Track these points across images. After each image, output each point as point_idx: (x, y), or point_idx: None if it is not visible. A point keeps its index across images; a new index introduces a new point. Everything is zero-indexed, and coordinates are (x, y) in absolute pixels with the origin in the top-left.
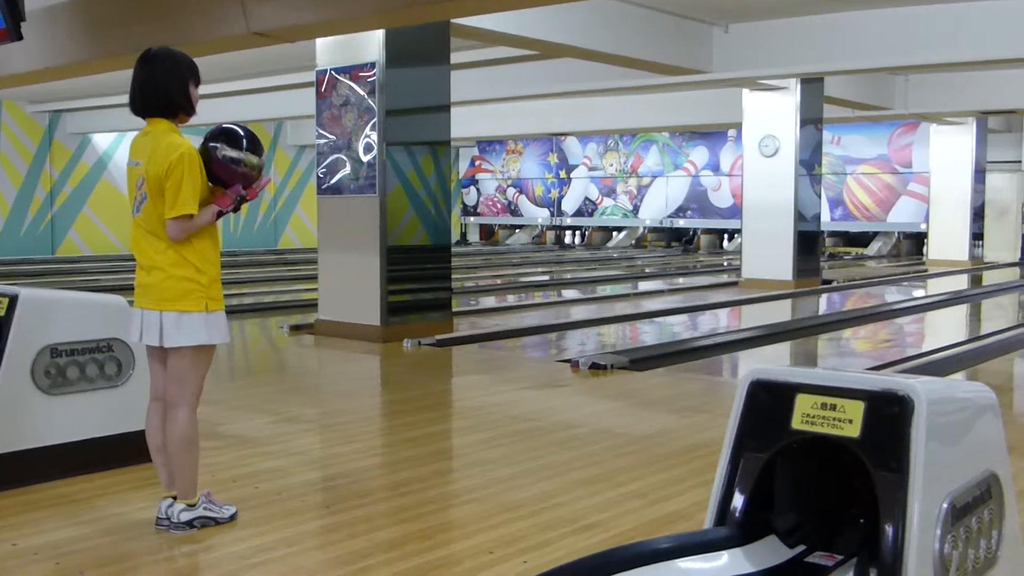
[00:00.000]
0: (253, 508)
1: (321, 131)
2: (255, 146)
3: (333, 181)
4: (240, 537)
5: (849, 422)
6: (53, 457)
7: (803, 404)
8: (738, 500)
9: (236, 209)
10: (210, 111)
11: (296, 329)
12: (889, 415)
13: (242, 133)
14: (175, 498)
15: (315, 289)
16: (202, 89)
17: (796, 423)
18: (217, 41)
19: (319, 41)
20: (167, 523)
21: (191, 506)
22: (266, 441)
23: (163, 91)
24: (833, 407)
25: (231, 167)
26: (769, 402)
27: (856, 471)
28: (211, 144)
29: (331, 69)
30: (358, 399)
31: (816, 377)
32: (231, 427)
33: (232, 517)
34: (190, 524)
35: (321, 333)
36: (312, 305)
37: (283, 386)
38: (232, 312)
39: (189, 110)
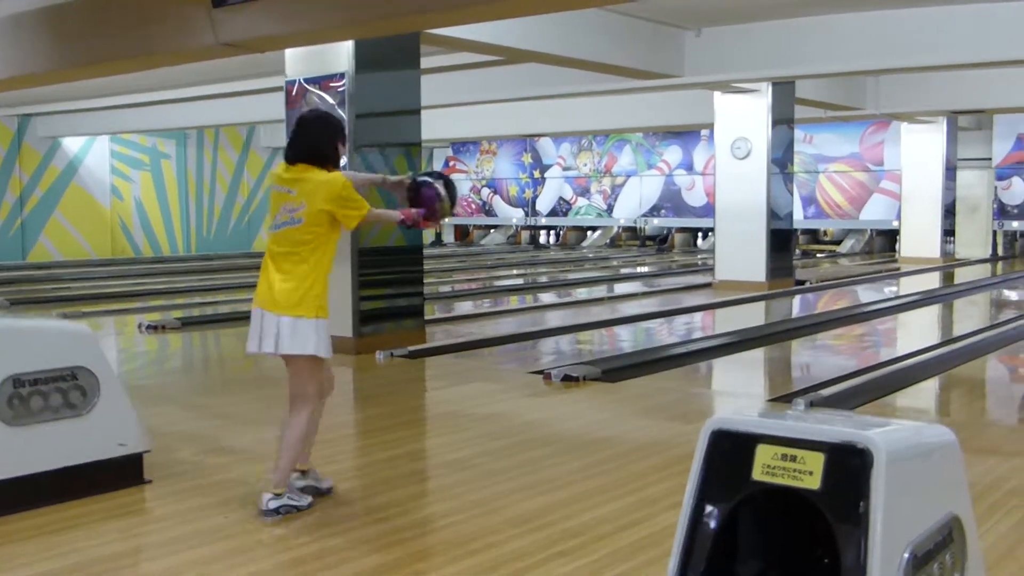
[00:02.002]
0: (221, 540)
1: None
2: (453, 200)
3: None
4: (208, 573)
5: (809, 474)
6: (20, 489)
7: (764, 455)
8: (701, 551)
9: (409, 226)
10: (183, 115)
11: None
12: (849, 467)
13: (455, 188)
14: (303, 472)
15: None
16: (174, 94)
17: (757, 474)
18: (185, 52)
19: (288, 51)
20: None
21: (278, 495)
22: (234, 466)
23: (315, 149)
24: (793, 458)
25: (432, 199)
26: (730, 452)
27: (820, 515)
28: (432, 177)
29: (301, 79)
30: (331, 417)
31: (777, 428)
32: (198, 451)
33: (309, 505)
34: (276, 511)
35: None
36: None
37: (254, 405)
38: (208, 323)
39: (336, 163)
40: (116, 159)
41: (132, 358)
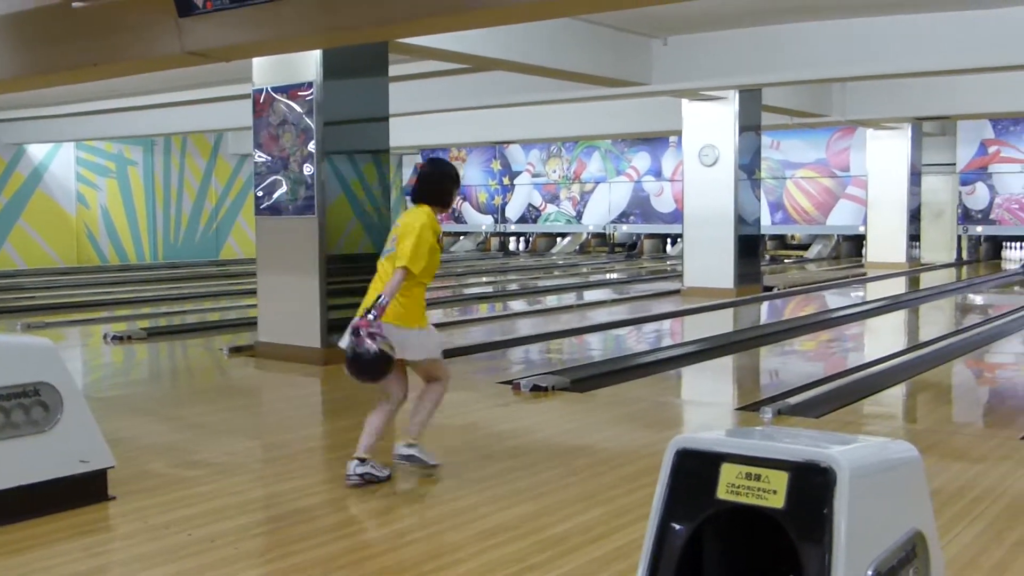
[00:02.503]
0: (185, 558)
1: (259, 151)
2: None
3: (271, 201)
4: None
5: (773, 493)
6: None
7: (728, 474)
8: (667, 569)
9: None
10: (150, 122)
11: (236, 351)
12: (812, 486)
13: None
14: (361, 460)
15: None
16: (141, 101)
17: (721, 493)
18: (151, 60)
19: (256, 60)
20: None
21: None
22: (201, 480)
23: (434, 193)
24: (758, 477)
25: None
26: (695, 471)
27: (785, 534)
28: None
29: (268, 88)
30: (297, 430)
31: (741, 447)
32: (164, 465)
33: (387, 478)
34: (361, 476)
35: (262, 355)
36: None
37: (218, 417)
38: (175, 332)
39: (447, 207)
40: (82, 166)
41: (98, 369)
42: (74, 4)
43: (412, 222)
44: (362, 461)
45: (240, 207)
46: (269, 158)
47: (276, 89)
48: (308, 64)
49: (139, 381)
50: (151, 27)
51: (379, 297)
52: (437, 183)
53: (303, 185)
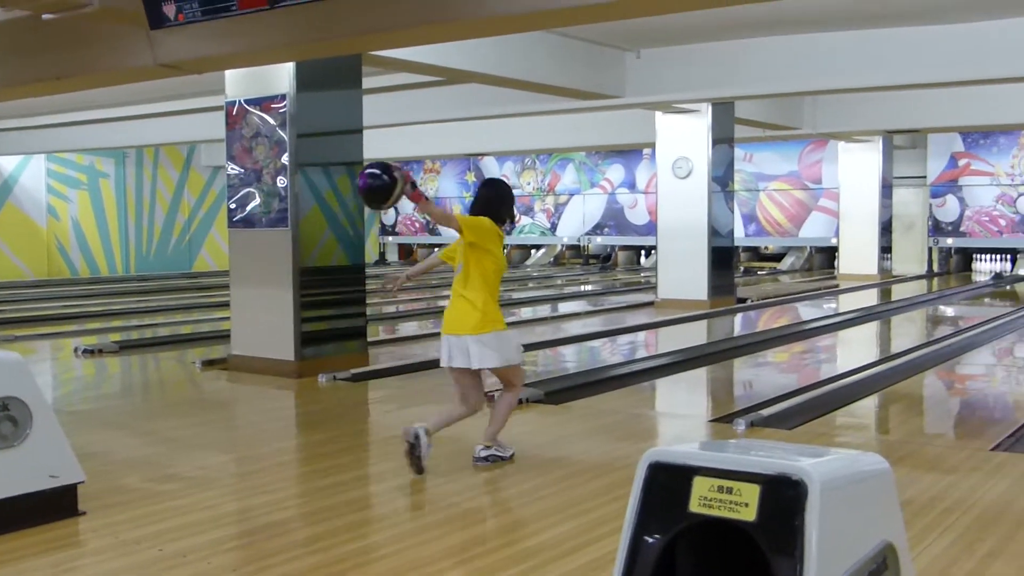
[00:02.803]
0: (156, 573)
1: (232, 163)
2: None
3: (244, 213)
4: None
5: (745, 505)
6: None
7: (700, 487)
8: None
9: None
10: (122, 134)
11: (209, 364)
12: (783, 499)
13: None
14: (487, 447)
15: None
16: (113, 112)
17: (694, 506)
18: (123, 72)
19: (228, 72)
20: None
21: (488, 447)
22: (173, 495)
23: (492, 212)
24: (729, 490)
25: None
26: (667, 484)
27: (757, 547)
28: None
29: (241, 100)
30: (271, 443)
31: (713, 460)
32: (135, 479)
33: (511, 457)
34: (486, 459)
35: (235, 368)
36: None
37: (191, 431)
38: (147, 345)
39: (508, 222)
40: (52, 178)
41: (68, 383)
42: (44, 16)
43: (474, 218)
44: (487, 446)
45: (213, 219)
46: (242, 170)
47: (249, 101)
48: (281, 76)
49: (110, 395)
50: (123, 39)
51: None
52: (495, 202)
53: (276, 197)
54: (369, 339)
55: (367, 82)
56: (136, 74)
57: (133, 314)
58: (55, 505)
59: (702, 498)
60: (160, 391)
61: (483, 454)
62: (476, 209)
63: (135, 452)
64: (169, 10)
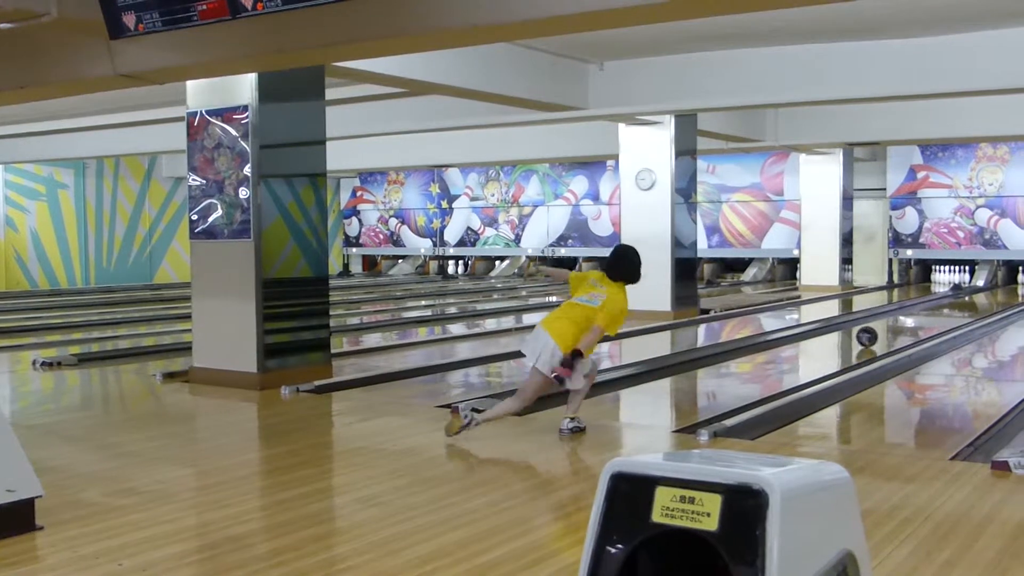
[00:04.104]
0: None
1: (193, 174)
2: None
3: (206, 225)
4: None
5: (707, 515)
6: None
7: (663, 497)
8: None
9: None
10: (82, 144)
11: (169, 377)
12: (744, 508)
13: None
14: (572, 419)
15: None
16: (72, 123)
17: (656, 516)
18: (83, 81)
19: (190, 82)
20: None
21: (572, 419)
22: (133, 509)
23: (630, 275)
24: (691, 500)
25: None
26: (629, 494)
27: (719, 556)
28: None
29: (203, 111)
30: (232, 456)
31: (675, 470)
32: (94, 494)
33: (584, 429)
34: (571, 430)
35: (196, 381)
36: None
37: (151, 444)
38: (107, 358)
39: (635, 282)
40: (10, 189)
41: (26, 396)
42: (1, 25)
43: (623, 299)
44: (572, 419)
45: (175, 231)
46: (204, 181)
47: (211, 112)
48: (243, 87)
49: (69, 408)
50: (82, 49)
51: (577, 350)
52: (636, 265)
53: (238, 209)
54: (333, 351)
55: (330, 93)
56: (96, 84)
57: (93, 326)
58: (12, 520)
59: (664, 508)
60: (120, 404)
61: (570, 425)
62: (620, 270)
63: (94, 466)
64: (129, 20)
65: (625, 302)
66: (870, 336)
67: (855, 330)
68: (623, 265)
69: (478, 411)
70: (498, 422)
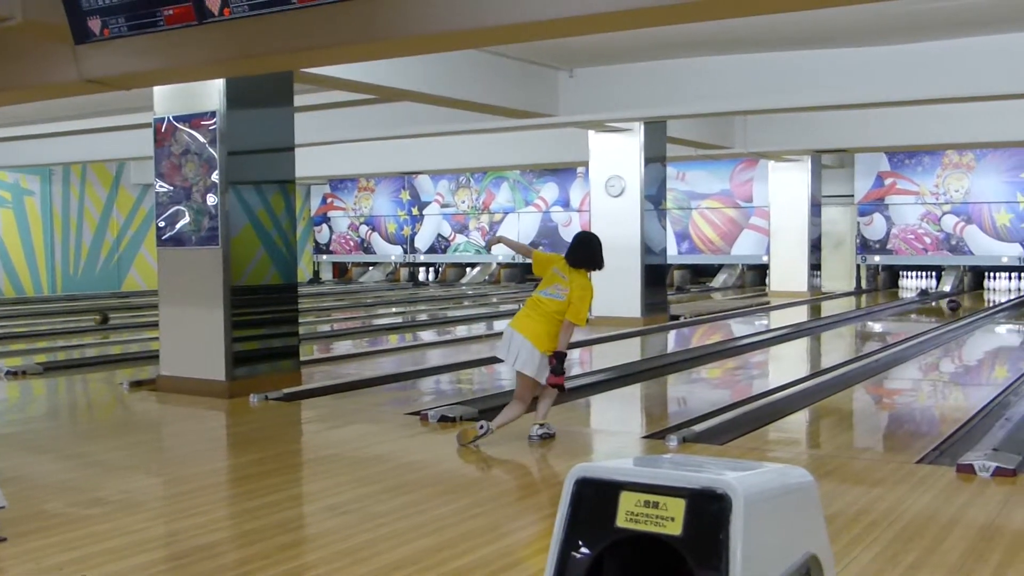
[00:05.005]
0: None
1: (160, 181)
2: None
3: (174, 232)
4: None
5: (671, 520)
6: None
7: (627, 502)
8: None
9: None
10: (48, 151)
11: (136, 386)
12: (708, 513)
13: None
14: (540, 425)
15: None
16: (38, 129)
17: (621, 521)
18: (47, 87)
19: (157, 88)
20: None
21: (541, 425)
22: (99, 519)
23: (591, 261)
24: (656, 505)
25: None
26: (594, 500)
27: (684, 561)
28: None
29: (170, 117)
30: (200, 464)
31: (639, 475)
32: (59, 504)
33: (554, 435)
34: (541, 437)
35: (164, 390)
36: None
37: (118, 453)
38: (74, 367)
39: (599, 269)
40: None
41: None
42: None
43: (587, 285)
44: (541, 425)
45: (143, 238)
46: (171, 188)
47: (178, 118)
48: (211, 93)
49: (35, 418)
50: (47, 54)
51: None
52: (597, 251)
53: (206, 216)
54: (303, 358)
55: (299, 99)
56: (61, 90)
57: (59, 335)
58: None
59: (629, 513)
60: (87, 413)
61: (539, 432)
62: (583, 257)
63: (59, 476)
64: (94, 25)
65: (590, 288)
66: (956, 305)
67: (944, 301)
68: (584, 252)
69: (487, 421)
70: (465, 428)
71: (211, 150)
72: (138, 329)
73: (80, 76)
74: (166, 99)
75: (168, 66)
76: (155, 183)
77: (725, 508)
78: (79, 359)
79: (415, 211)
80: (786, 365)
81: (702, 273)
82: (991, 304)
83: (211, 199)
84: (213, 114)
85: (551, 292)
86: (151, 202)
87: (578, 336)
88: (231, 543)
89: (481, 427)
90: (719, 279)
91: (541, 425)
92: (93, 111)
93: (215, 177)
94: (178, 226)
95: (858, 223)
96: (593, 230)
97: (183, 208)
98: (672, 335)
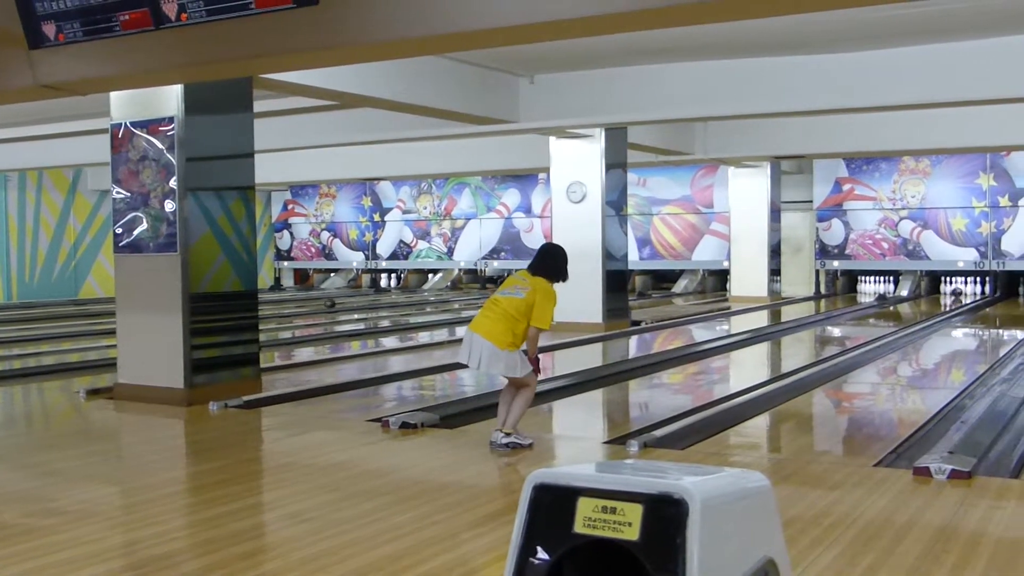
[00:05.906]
0: None
1: (117, 187)
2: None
3: (131, 238)
4: None
5: (628, 525)
6: None
7: (585, 507)
8: None
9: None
10: (3, 157)
11: (93, 394)
12: (665, 518)
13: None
14: (500, 430)
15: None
16: None
17: (578, 527)
18: (2, 92)
19: (113, 94)
20: (494, 445)
21: (508, 434)
22: (56, 529)
23: (553, 272)
24: (613, 510)
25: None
26: (552, 506)
27: (642, 566)
28: None
29: (127, 123)
30: (159, 473)
31: (597, 480)
32: (14, 514)
33: (530, 446)
34: (506, 446)
35: (121, 397)
36: None
37: (75, 462)
38: (31, 375)
39: (563, 280)
40: None
41: None
42: None
43: (549, 290)
44: (507, 434)
45: (100, 245)
46: (128, 194)
47: (136, 124)
48: (169, 99)
49: None
50: (1, 59)
51: (526, 352)
52: (561, 263)
53: (164, 222)
54: (263, 365)
55: (259, 105)
56: (16, 95)
57: (15, 343)
58: None
59: (586, 519)
60: (43, 422)
61: (503, 441)
62: (546, 266)
63: (14, 486)
64: (49, 30)
65: (552, 292)
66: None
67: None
68: (547, 263)
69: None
70: (427, 435)
71: (169, 156)
72: (95, 337)
73: (35, 81)
74: (123, 104)
75: (125, 72)
76: (112, 189)
77: (682, 513)
78: (35, 367)
79: (377, 217)
80: (746, 370)
81: (663, 278)
82: (947, 308)
83: (169, 205)
84: (171, 120)
85: (509, 291)
86: (109, 208)
87: (540, 341)
88: (190, 552)
89: (507, 443)
90: (680, 284)
91: (507, 434)
92: (50, 116)
93: (173, 183)
94: (135, 232)
95: (817, 228)
96: (555, 236)
97: (140, 214)
98: (634, 340)
